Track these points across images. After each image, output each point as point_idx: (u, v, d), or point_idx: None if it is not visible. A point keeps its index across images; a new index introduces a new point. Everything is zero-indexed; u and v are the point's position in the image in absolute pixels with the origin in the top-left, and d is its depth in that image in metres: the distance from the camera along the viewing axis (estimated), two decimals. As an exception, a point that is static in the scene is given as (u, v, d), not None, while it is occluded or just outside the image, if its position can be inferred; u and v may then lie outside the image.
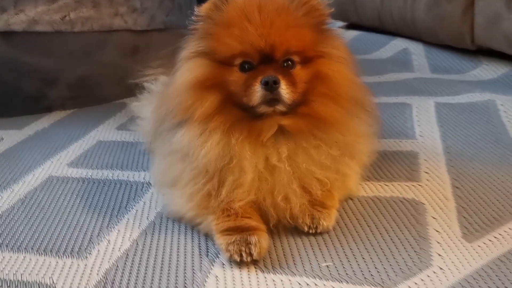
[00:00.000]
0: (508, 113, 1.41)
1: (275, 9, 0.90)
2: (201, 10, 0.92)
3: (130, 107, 1.46)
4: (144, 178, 1.19)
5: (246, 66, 0.89)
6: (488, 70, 1.77)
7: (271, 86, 0.85)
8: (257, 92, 0.86)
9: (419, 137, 1.32)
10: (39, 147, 1.42)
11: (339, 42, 0.96)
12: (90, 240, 0.95)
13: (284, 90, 0.86)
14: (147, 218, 1.02)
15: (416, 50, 2.03)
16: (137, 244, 0.93)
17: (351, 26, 2.51)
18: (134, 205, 1.07)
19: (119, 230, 0.98)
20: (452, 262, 0.83)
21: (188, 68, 0.92)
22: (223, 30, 0.90)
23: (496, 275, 0.79)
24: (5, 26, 1.58)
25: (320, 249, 0.89)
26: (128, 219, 1.02)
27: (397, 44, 2.13)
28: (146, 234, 0.96)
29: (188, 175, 0.94)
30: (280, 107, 0.88)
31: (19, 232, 0.99)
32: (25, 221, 1.03)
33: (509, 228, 0.91)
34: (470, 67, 1.83)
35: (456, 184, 1.07)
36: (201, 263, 0.87)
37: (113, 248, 0.93)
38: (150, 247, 0.92)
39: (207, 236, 0.93)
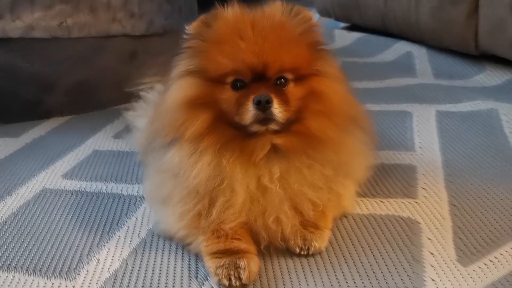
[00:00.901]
0: (510, 123, 1.38)
1: (269, 25, 0.88)
2: (190, 28, 0.90)
3: (126, 116, 1.44)
4: (137, 192, 1.18)
5: (238, 84, 0.87)
6: (492, 76, 1.73)
7: (263, 106, 0.84)
8: (249, 111, 0.84)
9: (418, 149, 1.30)
10: (34, 156, 1.41)
11: (333, 61, 0.94)
12: (79, 259, 0.95)
13: (277, 109, 0.84)
14: (138, 236, 1.01)
15: (420, 54, 2.00)
16: (127, 264, 0.92)
17: (354, 27, 2.47)
18: (126, 221, 1.06)
19: (109, 249, 0.97)
20: (446, 288, 0.81)
21: (179, 87, 0.90)
22: (213, 48, 0.88)
23: (490, 303, 0.77)
24: (1, 33, 1.57)
25: (311, 272, 0.87)
26: (119, 236, 1.01)
27: (401, 47, 2.09)
28: (136, 253, 0.95)
29: (178, 194, 0.92)
30: (273, 126, 0.86)
31: (10, 249, 0.99)
32: (16, 238, 1.02)
33: (505, 251, 0.89)
34: (474, 72, 1.79)
35: (453, 202, 1.04)
36: (190, 286, 0.85)
37: (102, 268, 0.92)
38: (140, 267, 0.91)
39: (198, 256, 0.92)
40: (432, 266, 0.86)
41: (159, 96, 1.26)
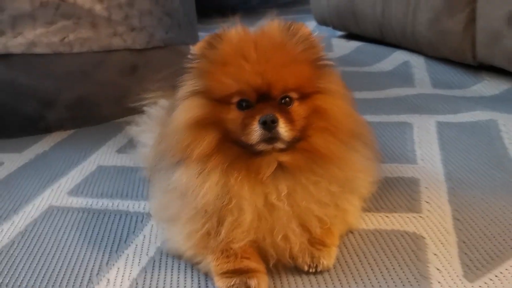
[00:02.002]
0: (509, 134, 1.40)
1: (272, 46, 0.89)
2: (195, 49, 0.91)
3: (129, 131, 1.45)
4: (144, 208, 1.19)
5: (244, 104, 0.88)
6: (490, 86, 1.75)
7: (269, 126, 0.85)
8: (256, 131, 0.85)
9: (420, 161, 1.31)
10: (39, 173, 1.42)
11: (336, 77, 0.95)
12: (89, 279, 0.95)
13: (283, 129, 0.86)
14: (147, 254, 1.02)
15: (418, 63, 2.02)
16: (137, 283, 0.93)
17: (351, 36, 2.50)
18: (134, 239, 1.07)
19: (118, 268, 0.98)
20: (453, 304, 0.83)
21: (185, 108, 0.91)
22: (218, 69, 0.89)
23: (497, 319, 0.79)
24: (3, 49, 1.58)
25: (320, 289, 0.88)
26: (128, 255, 1.02)
27: (398, 57, 2.11)
28: (146, 272, 0.96)
29: (187, 214, 0.93)
30: (279, 145, 0.87)
31: (19, 270, 0.99)
32: (24, 258, 1.03)
33: (510, 266, 0.90)
34: (472, 82, 1.81)
35: (457, 216, 1.06)
36: (200, 306, 0.86)
37: (113, 288, 0.92)
38: (150, 287, 0.92)
39: (207, 275, 0.93)
40: (439, 282, 0.87)
41: (164, 112, 1.27)
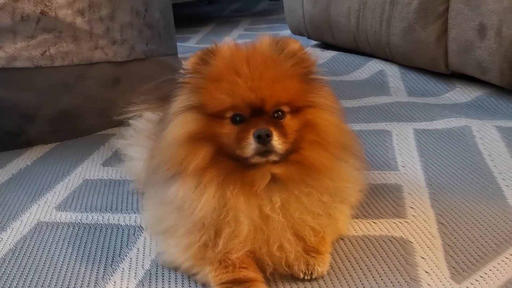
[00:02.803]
0: (483, 139, 1.47)
1: (263, 61, 0.92)
2: (188, 64, 0.94)
3: (115, 145, 1.46)
4: (135, 221, 1.20)
5: (238, 119, 0.90)
6: (462, 93, 1.83)
7: (263, 139, 0.87)
8: (250, 144, 0.88)
9: (402, 168, 1.36)
10: (24, 188, 1.41)
11: (326, 91, 0.99)
12: (87, 294, 0.96)
13: (276, 142, 0.88)
14: (143, 267, 1.03)
15: (392, 72, 2.08)
16: (135, 297, 0.94)
17: (326, 45, 2.55)
18: (128, 252, 1.08)
19: (115, 282, 0.99)
20: (443, 305, 0.87)
21: (179, 123, 0.93)
22: (212, 84, 0.91)
23: (485, 318, 0.83)
24: (-17, 63, 1.56)
25: (316, 296, 0.91)
26: (123, 268, 1.03)
27: (373, 66, 2.17)
28: (143, 285, 0.97)
29: (183, 226, 0.95)
30: (273, 157, 0.90)
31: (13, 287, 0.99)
32: (17, 275, 1.03)
33: (494, 267, 0.95)
34: (445, 89, 1.89)
35: (440, 220, 1.11)
36: (201, 316, 0.88)
37: (111, 302, 0.93)
38: (149, 300, 0.93)
39: (204, 286, 0.94)
40: (428, 284, 0.92)
41: (151, 125, 1.29)
